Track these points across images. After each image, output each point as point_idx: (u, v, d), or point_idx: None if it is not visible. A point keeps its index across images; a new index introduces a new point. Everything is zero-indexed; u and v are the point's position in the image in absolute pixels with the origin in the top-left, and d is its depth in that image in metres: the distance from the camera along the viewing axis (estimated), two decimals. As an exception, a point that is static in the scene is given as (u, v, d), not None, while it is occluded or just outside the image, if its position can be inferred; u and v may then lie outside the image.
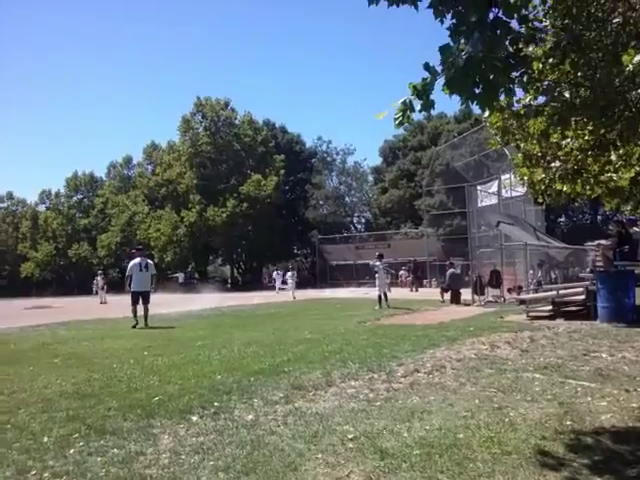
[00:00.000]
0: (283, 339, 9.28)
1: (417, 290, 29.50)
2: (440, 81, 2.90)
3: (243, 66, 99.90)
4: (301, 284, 43.67)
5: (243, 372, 6.33)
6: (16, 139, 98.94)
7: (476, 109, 3.17)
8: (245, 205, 45.69)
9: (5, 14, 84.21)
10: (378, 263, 16.72)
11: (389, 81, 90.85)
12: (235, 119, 51.01)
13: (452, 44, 2.86)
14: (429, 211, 39.26)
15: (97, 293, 28.18)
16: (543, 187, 6.21)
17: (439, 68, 2.89)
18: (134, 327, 12.30)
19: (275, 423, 4.29)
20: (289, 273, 28.55)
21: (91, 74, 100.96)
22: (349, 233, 53.90)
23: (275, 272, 38.63)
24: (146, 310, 12.70)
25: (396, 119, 3.10)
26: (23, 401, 5.33)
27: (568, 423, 4.00)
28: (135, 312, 12.67)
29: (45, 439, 4.08)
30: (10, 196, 66.29)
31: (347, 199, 59.04)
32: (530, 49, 4.32)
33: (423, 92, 2.98)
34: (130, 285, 12.91)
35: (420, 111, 3.06)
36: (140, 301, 12.69)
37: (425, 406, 4.62)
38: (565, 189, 5.98)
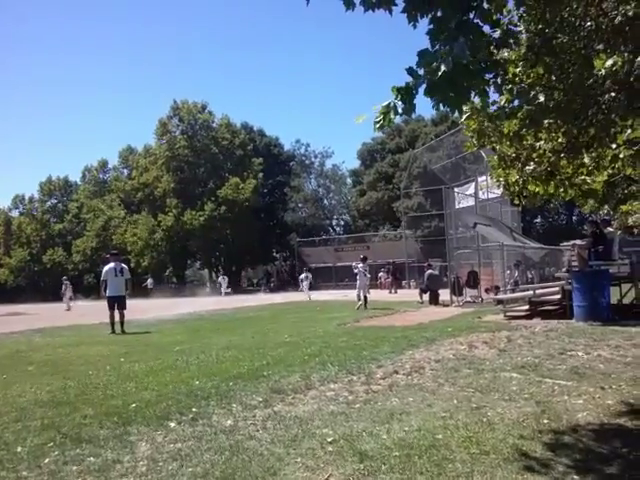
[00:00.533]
0: (262, 343, 9.23)
1: (396, 292, 29.67)
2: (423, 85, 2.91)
3: (220, 69, 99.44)
4: (280, 287, 43.67)
5: (221, 377, 6.28)
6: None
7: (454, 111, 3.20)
8: (223, 209, 45.52)
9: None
10: (360, 265, 17.01)
11: (367, 85, 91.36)
12: (212, 122, 50.85)
13: (431, 49, 2.88)
14: (407, 213, 39.48)
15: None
16: (518, 188, 6.28)
17: (422, 72, 2.90)
18: (112, 333, 12.15)
19: (254, 428, 4.25)
20: (303, 275, 28.47)
21: (65, 77, 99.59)
22: (328, 236, 53.96)
23: (220, 277, 38.72)
24: (122, 316, 12.54)
25: (376, 122, 3.11)
26: (-4, 410, 5.21)
27: (545, 422, 4.04)
28: (112, 317, 12.51)
29: (19, 449, 3.99)
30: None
31: (326, 202, 59.22)
32: (505, 54, 4.38)
33: (407, 96, 2.98)
34: (105, 290, 12.77)
35: (401, 114, 3.07)
36: (116, 306, 12.54)
37: (404, 407, 4.63)
38: (539, 190, 6.05)
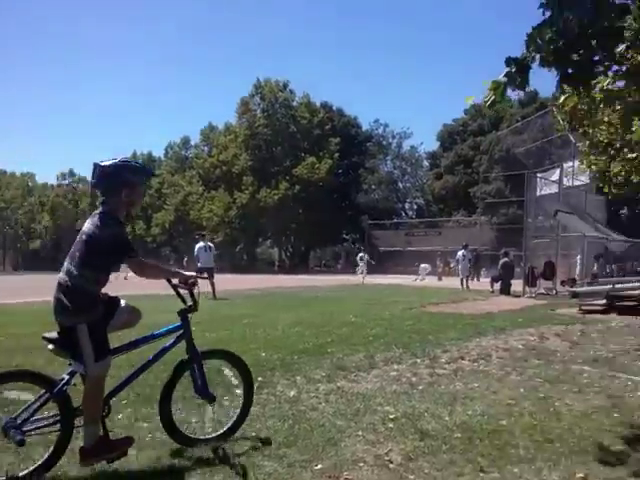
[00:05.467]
0: (328, 321, 9.33)
1: (479, 280, 27.80)
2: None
3: (302, 46, 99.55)
4: (348, 269, 43.74)
5: (287, 351, 6.42)
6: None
7: (544, 91, 3.10)
8: (297, 188, 45.88)
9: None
10: (461, 252, 19.03)
11: (452, 63, 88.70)
12: (293, 101, 51.14)
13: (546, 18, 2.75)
14: (484, 199, 38.28)
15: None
16: (620, 179, 5.97)
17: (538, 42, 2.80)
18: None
19: (317, 400, 4.36)
20: (360, 255, 28.92)
21: (151, 56, 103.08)
22: (400, 219, 53.33)
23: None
24: (212, 284, 13.60)
25: (486, 101, 3.01)
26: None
27: (616, 416, 3.90)
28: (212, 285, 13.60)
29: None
30: (71, 173, 69.76)
31: (400, 185, 58.32)
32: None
33: (522, 67, 2.88)
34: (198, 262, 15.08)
35: (514, 89, 2.99)
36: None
37: (468, 392, 4.59)
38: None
